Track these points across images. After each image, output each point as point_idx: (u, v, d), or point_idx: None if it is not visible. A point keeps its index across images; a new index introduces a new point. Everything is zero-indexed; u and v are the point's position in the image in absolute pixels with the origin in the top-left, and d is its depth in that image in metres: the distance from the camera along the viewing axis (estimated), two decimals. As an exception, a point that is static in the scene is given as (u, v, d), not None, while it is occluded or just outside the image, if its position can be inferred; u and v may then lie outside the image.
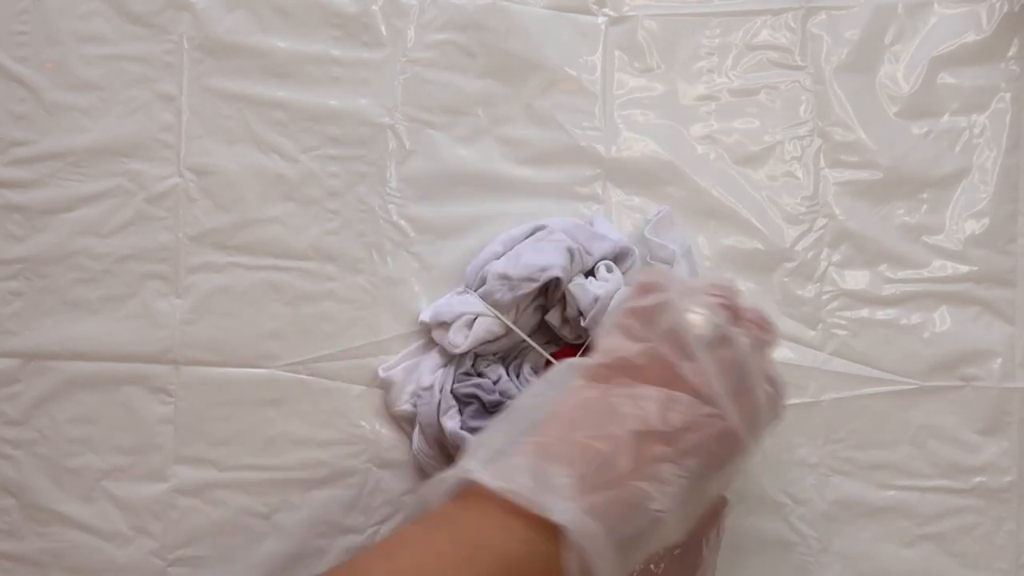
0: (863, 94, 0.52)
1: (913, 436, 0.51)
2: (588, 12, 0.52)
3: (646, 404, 0.32)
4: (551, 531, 0.29)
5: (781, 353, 0.51)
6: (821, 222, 0.52)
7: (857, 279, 0.52)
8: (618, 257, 0.48)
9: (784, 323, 0.51)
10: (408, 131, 0.50)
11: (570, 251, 0.45)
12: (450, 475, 0.32)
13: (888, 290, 0.51)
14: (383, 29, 0.50)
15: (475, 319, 0.45)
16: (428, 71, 0.51)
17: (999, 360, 0.51)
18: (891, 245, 0.52)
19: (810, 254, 0.52)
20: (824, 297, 0.51)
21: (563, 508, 0.29)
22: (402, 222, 0.50)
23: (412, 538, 0.31)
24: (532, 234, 0.47)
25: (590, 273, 0.47)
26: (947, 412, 0.51)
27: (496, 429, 0.34)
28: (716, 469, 0.32)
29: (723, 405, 0.32)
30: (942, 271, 0.52)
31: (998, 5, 0.52)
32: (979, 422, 0.51)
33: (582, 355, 0.44)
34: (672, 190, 0.52)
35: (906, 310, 0.51)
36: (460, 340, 0.45)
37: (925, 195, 0.52)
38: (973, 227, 0.52)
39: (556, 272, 0.44)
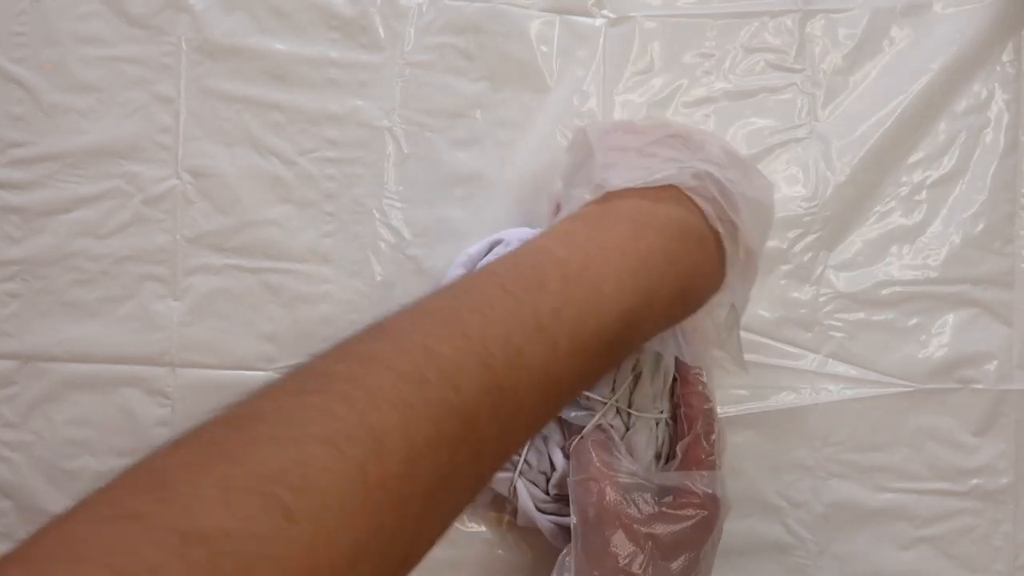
0: (860, 96, 0.52)
1: (910, 438, 0.51)
2: (587, 14, 0.52)
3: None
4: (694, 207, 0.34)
5: (779, 355, 0.51)
6: (818, 224, 0.52)
7: (854, 281, 0.52)
8: None
9: (781, 325, 0.51)
10: (406, 134, 0.50)
11: None
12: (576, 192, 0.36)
13: (885, 292, 0.52)
14: (381, 31, 0.50)
15: None
16: (426, 74, 0.51)
17: (996, 362, 0.51)
18: (888, 247, 0.52)
19: (807, 256, 0.52)
20: (821, 299, 0.51)
21: (679, 172, 0.34)
22: (400, 225, 0.50)
23: (575, 231, 0.33)
24: (491, 250, 0.47)
25: None
26: (944, 414, 0.51)
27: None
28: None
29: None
30: (939, 273, 0.52)
31: (995, 7, 0.52)
32: (976, 424, 0.51)
33: None
34: (669, 192, 0.52)
35: (903, 312, 0.52)
36: None
37: (922, 196, 0.52)
38: (970, 228, 0.52)
39: None
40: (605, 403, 0.43)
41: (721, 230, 0.34)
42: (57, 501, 0.47)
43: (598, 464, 0.41)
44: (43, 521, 0.49)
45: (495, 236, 0.48)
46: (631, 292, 0.31)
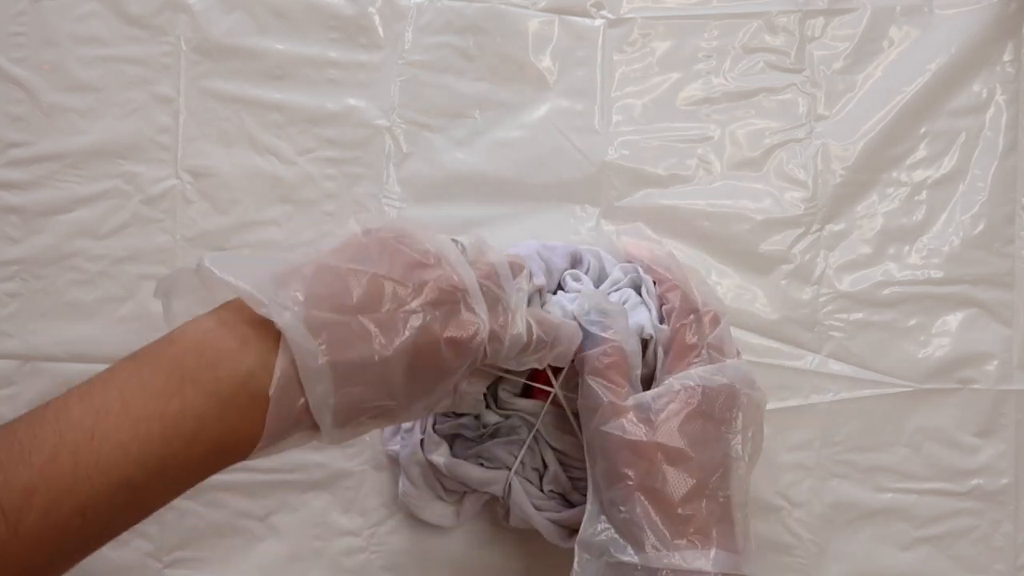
0: (860, 97, 0.52)
1: (910, 439, 0.51)
2: (586, 15, 0.52)
3: (397, 257, 0.34)
4: (274, 341, 0.30)
5: (779, 355, 0.51)
6: (819, 224, 0.52)
7: (854, 281, 0.52)
8: (573, 263, 0.46)
9: (782, 325, 0.51)
10: (405, 133, 0.50)
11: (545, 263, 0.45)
12: (187, 267, 0.33)
13: (885, 292, 0.52)
14: (381, 31, 0.50)
15: None
16: (425, 74, 0.51)
17: (996, 362, 0.51)
18: (888, 247, 0.52)
19: (808, 256, 0.52)
20: (821, 299, 0.51)
21: (284, 312, 0.30)
22: (399, 224, 0.50)
23: (118, 373, 0.30)
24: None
25: (557, 288, 0.46)
26: (944, 415, 0.51)
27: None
28: (446, 333, 0.33)
29: (460, 283, 0.34)
30: (939, 273, 0.52)
31: (995, 7, 0.52)
32: (976, 424, 0.51)
33: (560, 374, 0.45)
34: (670, 192, 0.52)
35: (903, 313, 0.52)
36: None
37: (922, 196, 0.52)
38: (970, 229, 0.52)
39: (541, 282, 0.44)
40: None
41: (306, 390, 0.31)
42: (56, 501, 0.47)
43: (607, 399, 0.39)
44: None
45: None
46: (135, 464, 0.29)
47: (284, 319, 0.30)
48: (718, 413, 0.39)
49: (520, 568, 0.49)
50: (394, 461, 0.48)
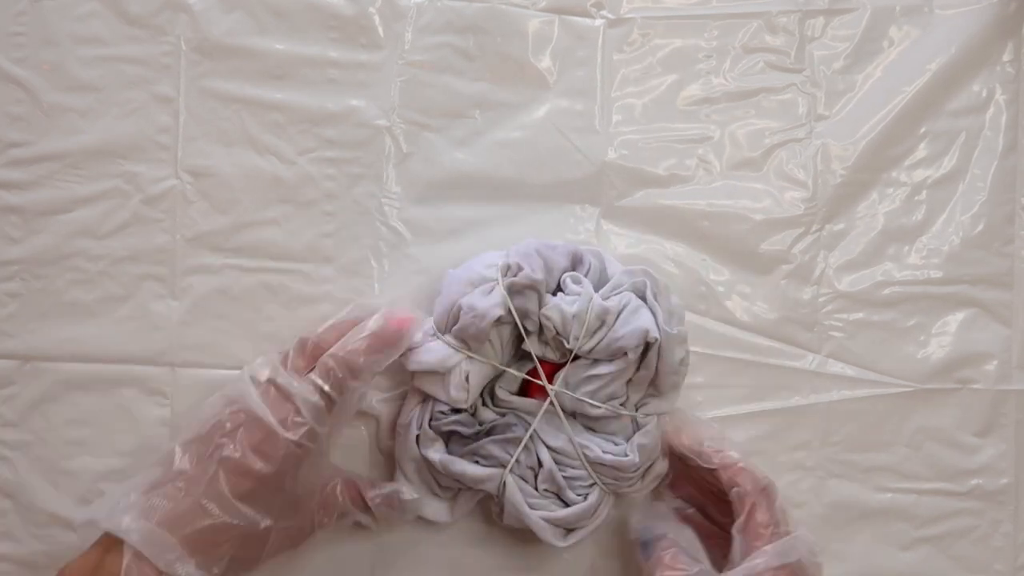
0: (860, 97, 0.52)
1: (910, 438, 0.51)
2: (586, 15, 0.52)
3: (194, 434, 0.41)
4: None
5: (779, 355, 0.51)
6: (818, 224, 0.52)
7: (854, 281, 0.52)
8: (574, 263, 0.46)
9: (781, 325, 0.51)
10: (405, 133, 0.50)
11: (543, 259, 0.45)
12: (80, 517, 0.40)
13: (885, 292, 0.52)
14: (381, 31, 0.50)
15: (467, 373, 0.44)
16: (425, 74, 0.51)
17: (995, 362, 0.51)
18: (888, 247, 0.52)
19: (807, 256, 0.52)
20: (821, 299, 0.51)
21: (119, 519, 0.38)
22: (399, 225, 0.50)
23: None
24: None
25: (556, 290, 0.46)
26: (944, 415, 0.51)
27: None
28: (244, 447, 0.40)
29: (246, 407, 0.41)
30: (939, 273, 0.52)
31: (995, 7, 0.52)
32: (976, 424, 0.51)
33: (559, 371, 0.45)
34: (670, 192, 0.52)
35: (903, 313, 0.52)
36: (463, 395, 0.44)
37: (922, 196, 0.52)
38: (970, 229, 0.52)
39: (538, 276, 0.44)
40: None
41: (153, 558, 0.38)
42: (56, 501, 0.47)
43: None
44: (43, 521, 0.49)
45: (491, 257, 0.46)
46: None
47: (121, 528, 0.38)
48: None
49: (514, 566, 0.49)
50: (390, 458, 0.48)
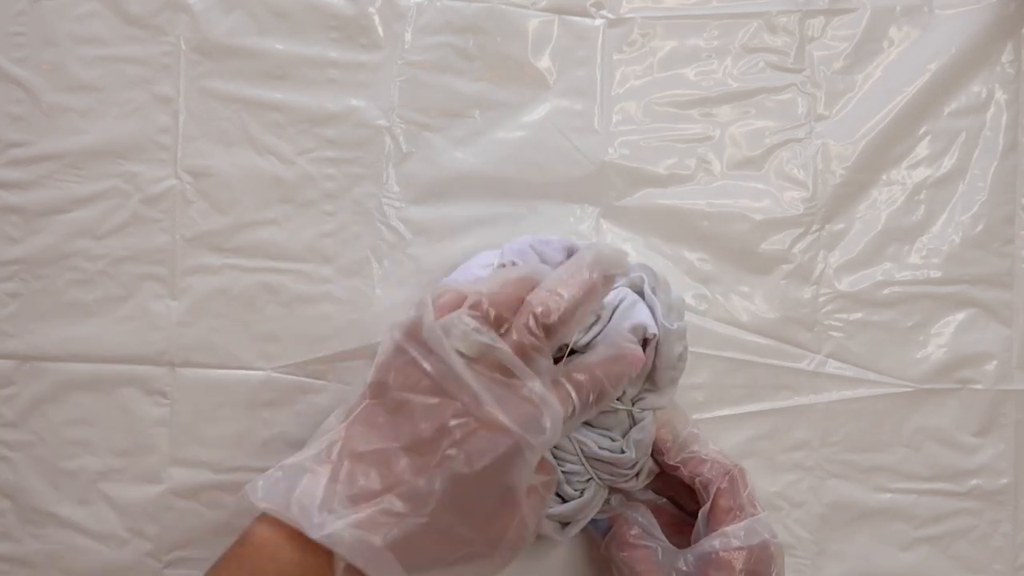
0: (860, 96, 0.52)
1: (909, 439, 0.51)
2: (586, 15, 0.52)
3: (400, 421, 0.35)
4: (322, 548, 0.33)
5: (779, 355, 0.51)
6: (818, 224, 0.52)
7: (854, 281, 0.52)
8: (569, 257, 0.46)
9: (781, 325, 0.51)
10: (405, 133, 0.50)
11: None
12: (243, 496, 0.36)
13: (885, 292, 0.52)
14: (381, 31, 0.50)
15: None
16: (425, 74, 0.51)
17: (995, 362, 0.51)
18: (888, 247, 0.52)
19: (807, 256, 0.52)
20: (821, 299, 0.51)
21: (325, 524, 0.33)
22: (399, 224, 0.50)
23: None
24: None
25: None
26: (943, 415, 0.51)
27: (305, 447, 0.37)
28: (480, 463, 0.34)
29: (473, 404, 0.34)
30: (939, 273, 0.52)
31: (995, 7, 0.52)
32: (975, 424, 0.51)
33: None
34: (669, 191, 0.52)
35: (903, 312, 0.52)
36: None
37: (922, 197, 0.52)
38: (970, 229, 0.52)
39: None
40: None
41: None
42: (56, 501, 0.47)
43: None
44: (42, 521, 0.49)
45: (486, 257, 0.46)
46: None
47: (333, 539, 0.33)
48: (761, 570, 0.41)
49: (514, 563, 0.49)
50: None
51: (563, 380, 0.37)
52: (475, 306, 0.36)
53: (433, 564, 0.34)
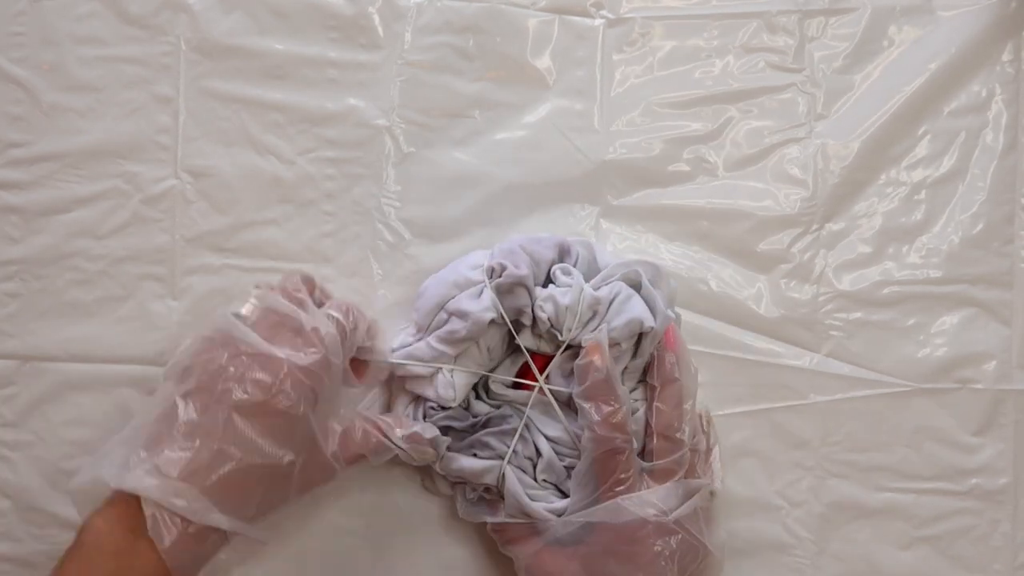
0: (860, 96, 0.52)
1: (909, 438, 0.51)
2: (586, 15, 0.52)
3: (189, 381, 0.40)
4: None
5: (779, 354, 0.51)
6: (818, 224, 0.52)
7: (854, 281, 0.52)
8: (561, 255, 0.46)
9: (781, 325, 0.51)
10: (405, 133, 0.50)
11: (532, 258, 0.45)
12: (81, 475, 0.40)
13: (884, 292, 0.52)
14: (380, 31, 0.50)
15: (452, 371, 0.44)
16: (425, 74, 0.51)
17: (995, 362, 0.51)
18: (887, 247, 0.52)
19: (807, 255, 0.52)
20: (821, 299, 0.51)
21: (124, 477, 0.37)
22: (399, 225, 0.50)
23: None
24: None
25: (547, 282, 0.45)
26: (943, 414, 0.51)
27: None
28: (258, 390, 0.39)
29: (245, 345, 0.39)
30: (938, 273, 0.52)
31: (995, 7, 0.52)
32: (975, 424, 0.51)
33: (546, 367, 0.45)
34: (669, 191, 0.52)
35: (902, 312, 0.52)
36: (450, 394, 0.44)
37: (922, 196, 0.52)
38: (969, 228, 0.52)
39: (524, 273, 0.44)
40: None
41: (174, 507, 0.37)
42: (56, 501, 0.47)
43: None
44: (42, 521, 0.49)
45: (473, 259, 0.46)
46: None
47: (134, 485, 0.37)
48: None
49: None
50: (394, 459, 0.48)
51: (329, 311, 0.42)
52: (305, 277, 0.44)
53: (236, 491, 0.38)
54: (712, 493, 0.45)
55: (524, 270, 0.43)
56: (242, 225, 0.49)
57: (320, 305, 0.43)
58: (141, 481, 0.37)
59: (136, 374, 0.48)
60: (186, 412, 0.38)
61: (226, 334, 0.40)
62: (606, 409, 0.41)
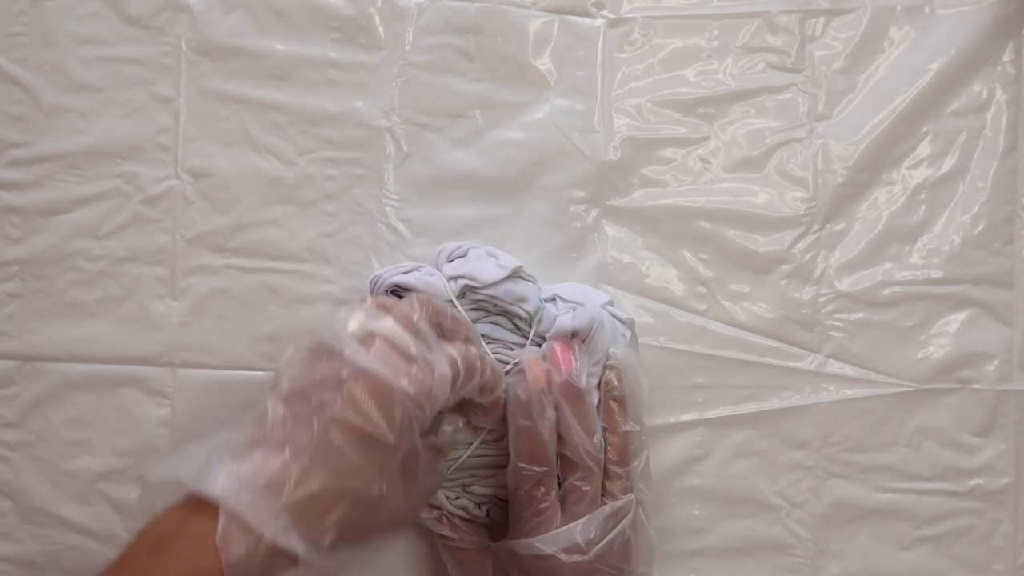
0: (860, 96, 0.52)
1: (910, 438, 0.51)
2: (586, 15, 0.52)
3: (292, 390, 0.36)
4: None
5: (779, 355, 0.51)
6: (819, 224, 0.52)
7: (854, 281, 0.52)
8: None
9: (781, 325, 0.51)
10: (405, 134, 0.50)
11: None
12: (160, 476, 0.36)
13: (885, 292, 0.52)
14: (381, 32, 0.50)
15: None
16: (426, 74, 0.51)
17: (996, 362, 0.51)
18: (888, 247, 0.52)
19: (808, 256, 0.52)
20: (821, 299, 0.51)
21: (214, 480, 0.33)
22: (399, 225, 0.50)
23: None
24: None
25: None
26: (944, 415, 0.51)
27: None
28: (356, 412, 0.35)
29: (350, 362, 0.36)
30: (939, 273, 0.52)
31: (995, 7, 0.52)
32: (976, 424, 0.51)
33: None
34: (669, 191, 0.52)
35: (903, 312, 0.52)
36: None
37: (922, 196, 0.52)
38: (970, 229, 0.52)
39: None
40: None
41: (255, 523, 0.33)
42: (56, 501, 0.47)
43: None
44: (43, 521, 0.49)
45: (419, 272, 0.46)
46: None
47: (214, 489, 0.33)
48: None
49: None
50: None
51: (450, 350, 0.38)
52: (423, 303, 0.40)
53: (317, 514, 0.34)
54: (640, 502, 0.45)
55: (535, 303, 0.45)
56: (242, 225, 0.49)
57: (450, 337, 0.40)
58: (216, 485, 0.33)
59: (136, 374, 0.48)
60: (279, 418, 0.35)
61: (332, 348, 0.36)
62: (525, 437, 0.41)
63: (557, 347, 0.43)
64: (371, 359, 0.36)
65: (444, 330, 0.40)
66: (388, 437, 0.35)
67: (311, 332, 0.38)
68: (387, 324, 0.37)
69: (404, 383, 0.36)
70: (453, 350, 0.38)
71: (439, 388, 0.37)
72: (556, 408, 0.42)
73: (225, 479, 0.33)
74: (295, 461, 0.34)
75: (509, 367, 0.43)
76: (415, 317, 0.38)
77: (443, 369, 0.37)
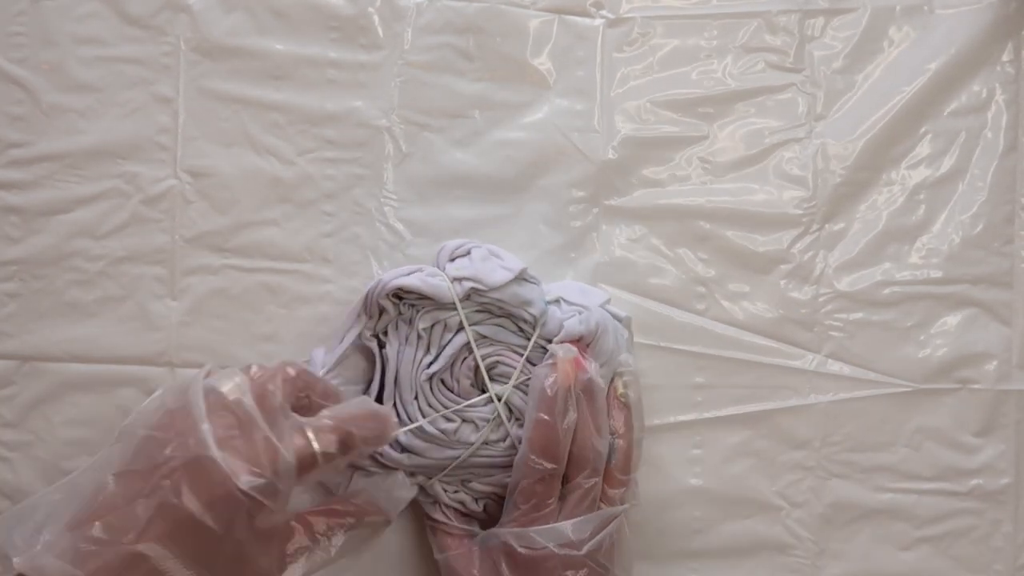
0: (860, 96, 0.52)
1: (910, 438, 0.51)
2: (586, 14, 0.52)
3: (130, 457, 0.35)
4: None
5: (779, 355, 0.51)
6: (818, 224, 0.52)
7: (854, 281, 0.52)
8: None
9: (781, 325, 0.51)
10: (405, 134, 0.50)
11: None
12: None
13: (885, 292, 0.52)
14: (380, 31, 0.50)
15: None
16: (425, 74, 0.51)
17: (995, 362, 0.51)
18: (888, 247, 0.52)
19: (807, 256, 0.52)
20: (821, 299, 0.51)
21: (33, 554, 0.32)
22: (398, 225, 0.50)
23: None
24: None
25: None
26: (944, 414, 0.51)
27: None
28: (192, 499, 0.33)
29: (195, 442, 0.34)
30: (939, 273, 0.52)
31: (995, 7, 0.52)
32: (976, 424, 0.51)
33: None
34: (669, 191, 0.52)
35: (903, 312, 0.52)
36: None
37: (922, 196, 0.52)
38: (969, 229, 0.52)
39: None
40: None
41: None
42: (56, 501, 0.47)
43: None
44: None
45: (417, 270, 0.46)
46: None
47: (36, 569, 0.32)
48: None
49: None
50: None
51: (306, 429, 0.36)
52: (295, 375, 0.38)
53: None
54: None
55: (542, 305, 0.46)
56: (242, 225, 0.49)
57: (317, 410, 0.39)
58: (45, 569, 0.32)
59: (135, 374, 0.48)
60: (110, 495, 0.34)
61: (184, 410, 0.35)
62: (542, 431, 0.42)
63: (575, 351, 0.44)
64: (213, 444, 0.34)
65: (311, 403, 0.39)
66: (215, 528, 0.33)
67: (180, 391, 0.36)
68: (239, 399, 0.35)
69: (244, 478, 0.34)
70: (321, 422, 0.37)
71: (283, 477, 0.35)
72: (577, 407, 0.43)
73: (54, 560, 0.32)
74: (123, 546, 0.32)
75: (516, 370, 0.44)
76: (278, 398, 0.37)
77: (288, 457, 0.35)
